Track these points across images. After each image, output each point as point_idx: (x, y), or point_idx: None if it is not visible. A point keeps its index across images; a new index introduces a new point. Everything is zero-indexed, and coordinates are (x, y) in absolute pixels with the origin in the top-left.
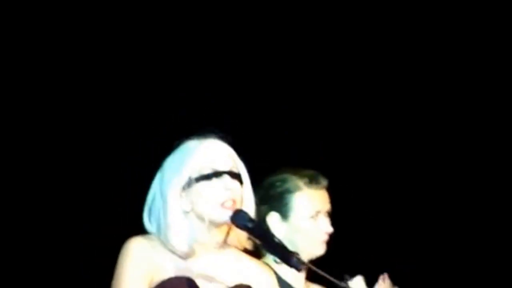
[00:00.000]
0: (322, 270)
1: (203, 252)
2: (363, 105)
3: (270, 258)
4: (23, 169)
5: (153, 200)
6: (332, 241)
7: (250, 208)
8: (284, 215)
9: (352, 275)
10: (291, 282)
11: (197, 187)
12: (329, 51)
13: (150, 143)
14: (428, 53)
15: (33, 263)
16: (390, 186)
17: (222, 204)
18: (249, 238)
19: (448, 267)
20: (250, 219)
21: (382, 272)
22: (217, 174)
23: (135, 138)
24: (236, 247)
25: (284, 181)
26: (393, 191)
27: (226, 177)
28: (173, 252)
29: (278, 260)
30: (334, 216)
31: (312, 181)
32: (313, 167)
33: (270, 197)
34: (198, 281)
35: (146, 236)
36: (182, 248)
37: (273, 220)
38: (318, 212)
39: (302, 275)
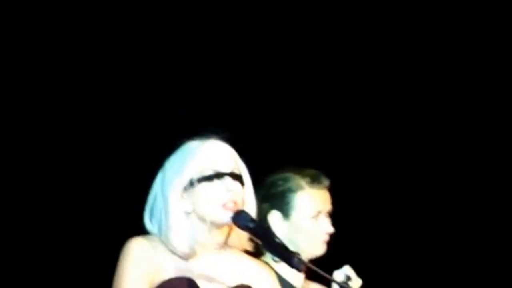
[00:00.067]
0: (322, 270)
1: (204, 252)
2: (363, 105)
3: (269, 257)
4: (23, 169)
5: (154, 200)
6: (332, 241)
7: (251, 209)
8: (285, 214)
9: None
10: (291, 281)
11: (198, 188)
12: (329, 51)
13: (150, 143)
14: (428, 53)
15: (33, 263)
16: (390, 186)
17: (223, 205)
18: (250, 239)
19: (448, 267)
20: (251, 220)
21: (382, 272)
22: (218, 175)
23: (135, 138)
24: (237, 248)
25: (286, 180)
26: (393, 191)
27: (228, 179)
28: (174, 253)
29: (277, 259)
30: (333, 216)
31: (314, 180)
32: (313, 167)
33: (272, 195)
34: (198, 282)
35: (147, 236)
36: (183, 248)
37: (274, 218)
38: (319, 212)
39: (301, 274)
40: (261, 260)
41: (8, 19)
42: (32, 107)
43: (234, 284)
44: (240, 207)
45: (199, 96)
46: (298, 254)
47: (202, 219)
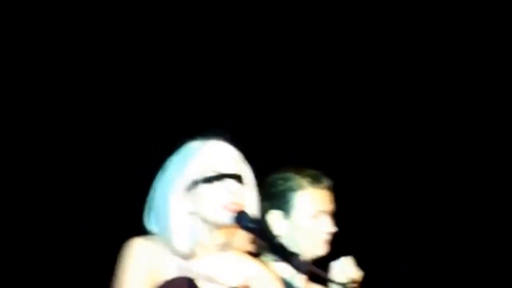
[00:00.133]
0: (322, 270)
1: (204, 253)
2: (363, 105)
3: (270, 258)
4: (23, 169)
5: (156, 200)
6: (332, 241)
7: (253, 210)
8: (285, 213)
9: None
10: (292, 282)
11: (199, 189)
12: (329, 51)
13: (150, 143)
14: (428, 53)
15: (33, 263)
16: (390, 186)
17: (225, 207)
18: (251, 240)
19: (448, 267)
20: (253, 220)
21: (382, 272)
22: (220, 177)
23: (135, 138)
24: (238, 249)
25: (286, 179)
26: (393, 191)
27: (229, 180)
28: (175, 253)
29: (278, 259)
30: (333, 216)
31: (315, 180)
32: (313, 167)
33: (272, 194)
34: (199, 282)
35: (148, 236)
36: (184, 249)
37: (274, 217)
38: (320, 212)
39: (303, 275)
40: (261, 259)
41: (8, 19)
42: (32, 107)
43: (235, 285)
44: (241, 208)
45: (199, 96)
46: (299, 255)
47: (203, 220)
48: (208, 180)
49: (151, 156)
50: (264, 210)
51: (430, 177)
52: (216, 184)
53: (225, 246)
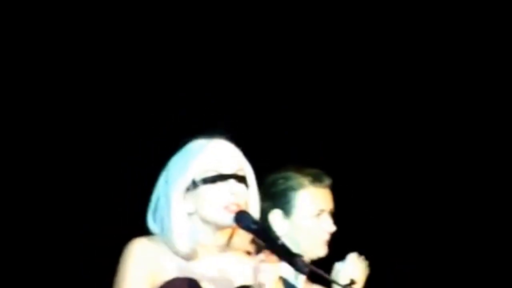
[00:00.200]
0: (322, 270)
1: (205, 254)
2: (363, 105)
3: None
4: (23, 169)
5: (158, 200)
6: (332, 241)
7: (255, 210)
8: (286, 212)
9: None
10: (292, 283)
11: (201, 190)
12: (329, 51)
13: (150, 143)
14: (428, 53)
15: (33, 263)
16: (390, 186)
17: (226, 208)
18: (252, 241)
19: (448, 267)
20: (254, 221)
21: (382, 272)
22: (221, 177)
23: (135, 138)
24: (239, 249)
25: (287, 178)
26: (393, 191)
27: (231, 181)
28: (176, 254)
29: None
30: (333, 216)
31: (316, 179)
32: (313, 167)
33: (273, 194)
34: (200, 283)
35: (149, 237)
36: (185, 249)
37: (275, 217)
38: (321, 211)
39: (304, 276)
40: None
41: (8, 19)
42: (32, 107)
43: (236, 285)
44: (243, 209)
45: (199, 96)
46: (301, 256)
47: (204, 221)
48: (210, 180)
49: (151, 156)
50: (265, 210)
51: (430, 177)
52: (218, 184)
53: (226, 247)
